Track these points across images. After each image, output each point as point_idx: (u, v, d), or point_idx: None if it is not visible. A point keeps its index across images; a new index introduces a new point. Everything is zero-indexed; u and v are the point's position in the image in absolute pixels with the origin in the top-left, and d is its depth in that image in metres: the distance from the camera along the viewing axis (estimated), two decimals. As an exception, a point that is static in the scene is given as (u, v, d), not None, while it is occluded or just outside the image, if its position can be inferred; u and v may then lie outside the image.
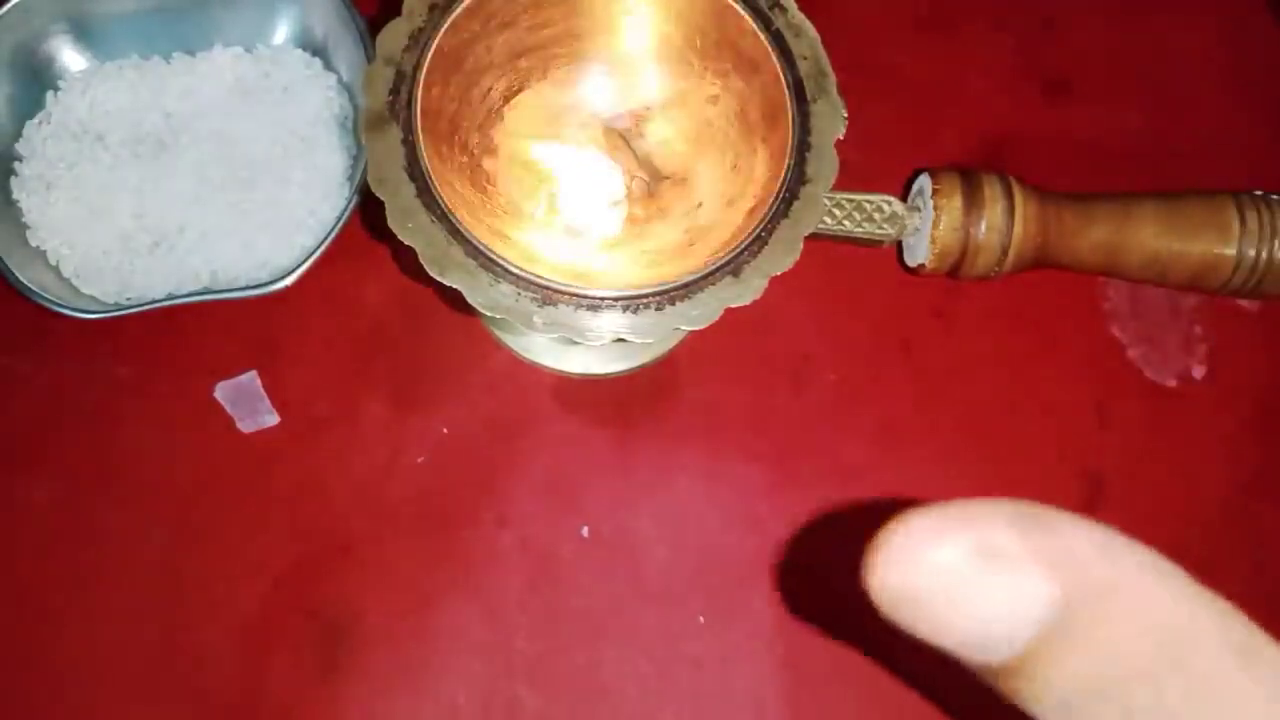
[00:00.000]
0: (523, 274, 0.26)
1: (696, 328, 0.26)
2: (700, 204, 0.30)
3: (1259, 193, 0.34)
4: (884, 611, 0.13)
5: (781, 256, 0.26)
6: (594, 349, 0.35)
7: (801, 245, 0.27)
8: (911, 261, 0.36)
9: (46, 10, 0.36)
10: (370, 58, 0.28)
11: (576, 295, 0.26)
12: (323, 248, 0.33)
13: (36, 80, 0.36)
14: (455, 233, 0.26)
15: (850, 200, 0.34)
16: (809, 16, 0.29)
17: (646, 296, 0.26)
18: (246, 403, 0.35)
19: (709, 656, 0.33)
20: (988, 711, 0.35)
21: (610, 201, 0.32)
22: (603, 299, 0.26)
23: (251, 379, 0.35)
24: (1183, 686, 0.12)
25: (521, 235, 0.30)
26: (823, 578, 0.34)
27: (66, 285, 0.35)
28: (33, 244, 0.35)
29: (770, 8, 0.29)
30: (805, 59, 0.28)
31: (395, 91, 0.27)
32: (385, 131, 0.26)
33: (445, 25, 0.28)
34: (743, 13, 0.28)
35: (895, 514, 0.13)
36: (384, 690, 0.32)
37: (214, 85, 0.37)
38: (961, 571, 0.13)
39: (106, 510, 0.34)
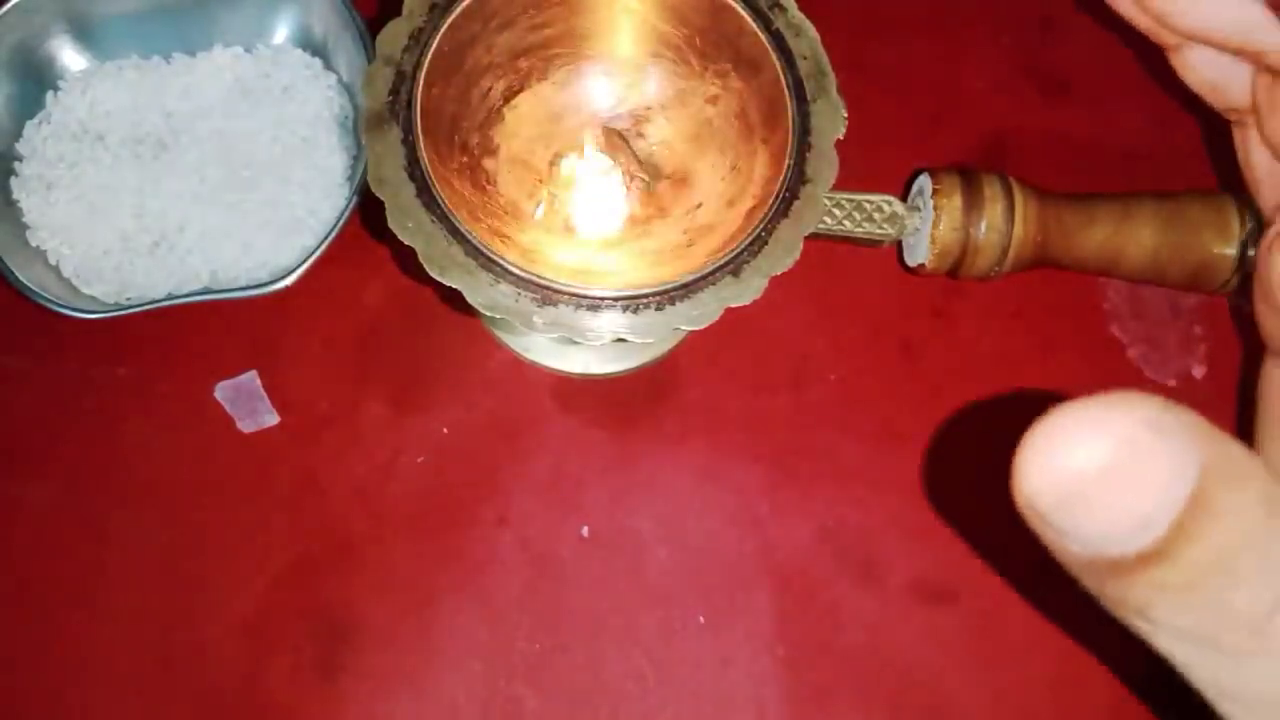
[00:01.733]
0: (523, 274, 0.26)
1: (696, 328, 0.26)
2: (700, 204, 0.30)
3: (1259, 193, 0.34)
4: (1032, 517, 0.14)
5: (781, 256, 0.26)
6: (594, 349, 0.35)
7: (801, 245, 0.27)
8: (911, 261, 0.36)
9: (46, 10, 0.36)
10: (370, 58, 0.28)
11: (576, 295, 0.26)
12: (323, 248, 0.33)
13: (36, 80, 0.36)
14: (455, 233, 0.26)
15: (850, 200, 0.34)
16: (809, 16, 0.29)
17: (646, 296, 0.26)
18: (246, 403, 0.35)
19: (709, 656, 0.33)
20: (988, 707, 0.35)
21: (610, 201, 0.32)
22: (603, 299, 0.26)
23: (251, 379, 0.35)
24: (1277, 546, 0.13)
25: (521, 235, 0.30)
26: (822, 578, 0.34)
27: (66, 285, 0.35)
28: (33, 244, 0.35)
29: (770, 8, 0.29)
30: (805, 59, 0.28)
31: (395, 91, 0.27)
32: (385, 131, 0.26)
33: (445, 25, 0.28)
34: (743, 13, 0.28)
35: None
36: (384, 690, 0.32)
37: (214, 85, 0.37)
38: (1114, 462, 0.13)
39: (107, 510, 0.34)
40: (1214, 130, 0.41)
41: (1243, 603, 0.14)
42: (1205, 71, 0.31)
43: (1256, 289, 0.30)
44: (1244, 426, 0.33)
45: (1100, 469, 0.13)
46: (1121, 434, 0.13)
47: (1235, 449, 0.14)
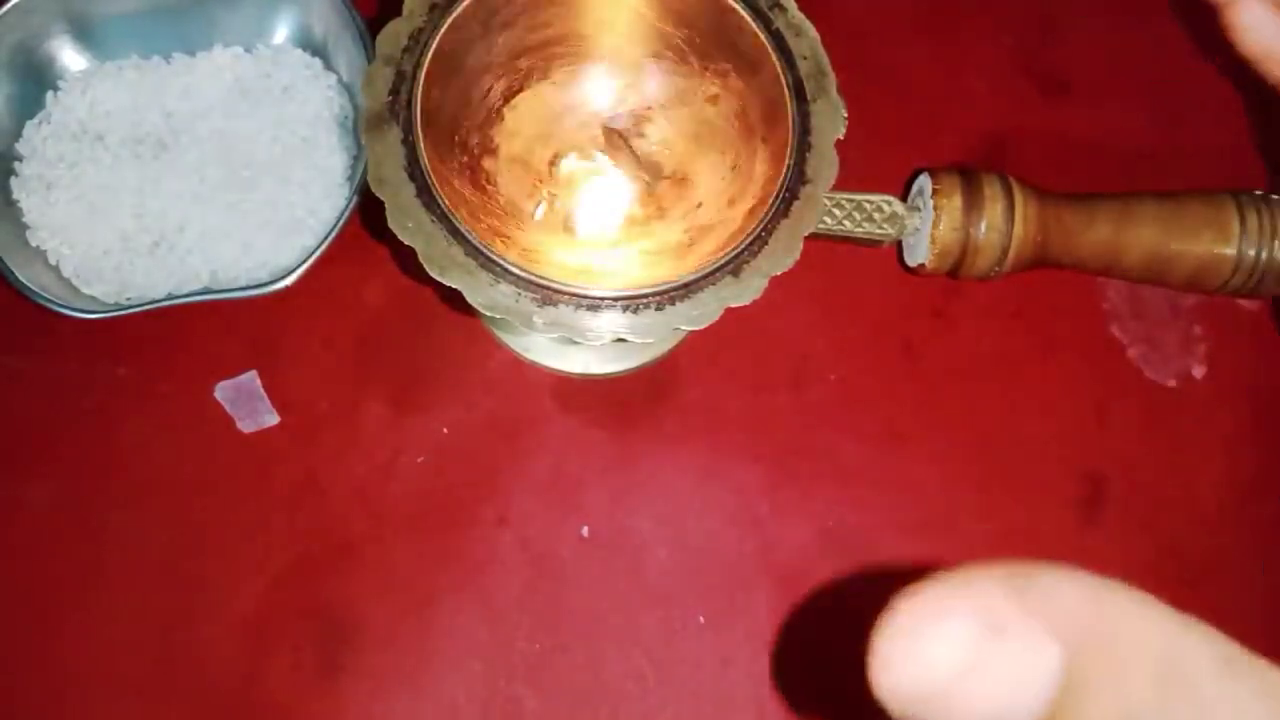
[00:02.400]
0: (523, 274, 0.26)
1: (696, 328, 0.26)
2: (700, 204, 0.30)
3: (1259, 193, 0.34)
4: (897, 712, 0.13)
5: (781, 256, 0.26)
6: (594, 349, 0.35)
7: (801, 245, 0.27)
8: (911, 261, 0.36)
9: (46, 10, 0.36)
10: (370, 58, 0.28)
11: (576, 295, 0.26)
12: (323, 248, 0.33)
13: (36, 80, 0.36)
14: (455, 233, 0.26)
15: (850, 200, 0.34)
16: (809, 16, 0.29)
17: (646, 296, 0.26)
18: (246, 403, 0.35)
19: (709, 656, 0.33)
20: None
21: (610, 201, 0.32)
22: (603, 299, 0.26)
23: (251, 379, 0.35)
24: (1188, 709, 0.13)
25: (521, 235, 0.30)
26: (822, 578, 0.34)
27: (66, 285, 0.35)
28: (33, 244, 0.35)
29: (770, 8, 0.29)
30: (805, 59, 0.28)
31: (395, 91, 0.27)
32: (385, 131, 0.26)
33: (445, 25, 0.28)
34: (743, 13, 0.28)
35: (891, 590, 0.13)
36: (384, 690, 0.32)
37: (214, 85, 0.37)
38: (967, 661, 0.13)
39: (107, 510, 0.34)
40: (1214, 130, 0.41)
41: None
42: (1264, 33, 0.27)
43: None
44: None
45: (957, 667, 0.13)
46: (969, 636, 0.13)
47: (1106, 618, 0.13)
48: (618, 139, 0.32)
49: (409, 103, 0.27)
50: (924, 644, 0.13)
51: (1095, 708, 0.13)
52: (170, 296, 0.34)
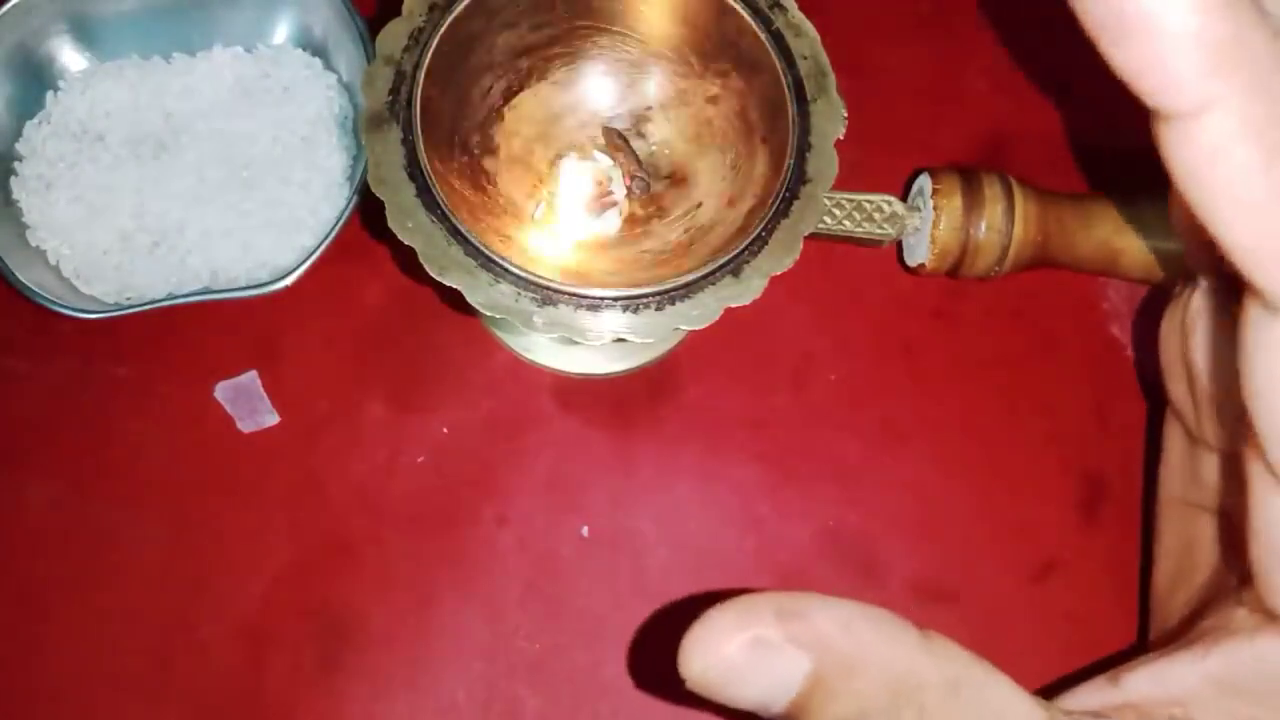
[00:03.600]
0: (523, 274, 0.26)
1: (696, 328, 0.26)
2: (700, 204, 0.30)
3: (1259, 193, 0.34)
4: (691, 687, 0.19)
5: (781, 256, 0.26)
6: (594, 349, 0.35)
7: (801, 245, 0.27)
8: (911, 261, 0.36)
9: (46, 10, 0.36)
10: (370, 58, 0.28)
11: (576, 295, 0.26)
12: (323, 248, 0.33)
13: (36, 80, 0.36)
14: (455, 233, 0.26)
15: (850, 200, 0.34)
16: (809, 16, 0.29)
17: (646, 296, 0.26)
18: (246, 403, 0.35)
19: (709, 656, 0.33)
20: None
21: (610, 202, 0.32)
22: (603, 299, 0.26)
23: (251, 379, 0.35)
24: (911, 715, 0.19)
25: (521, 235, 0.30)
26: (822, 578, 0.34)
27: (66, 285, 0.35)
28: (33, 244, 0.35)
29: (770, 8, 0.29)
30: (805, 59, 0.28)
31: (395, 91, 0.27)
32: (385, 131, 0.26)
33: (445, 25, 0.28)
34: (743, 13, 0.28)
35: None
36: (384, 690, 0.32)
37: (214, 85, 0.37)
38: (737, 662, 0.19)
39: (106, 510, 0.34)
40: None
41: None
42: (1170, 349, 0.27)
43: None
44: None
45: (727, 674, 0.19)
46: (732, 654, 0.19)
47: (852, 642, 0.19)
48: (618, 139, 0.32)
49: (409, 102, 0.27)
50: (712, 649, 0.19)
51: (836, 706, 0.19)
52: (170, 296, 0.34)
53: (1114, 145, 0.41)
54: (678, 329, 0.26)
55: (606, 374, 0.36)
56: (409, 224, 0.25)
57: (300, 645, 0.32)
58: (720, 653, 0.19)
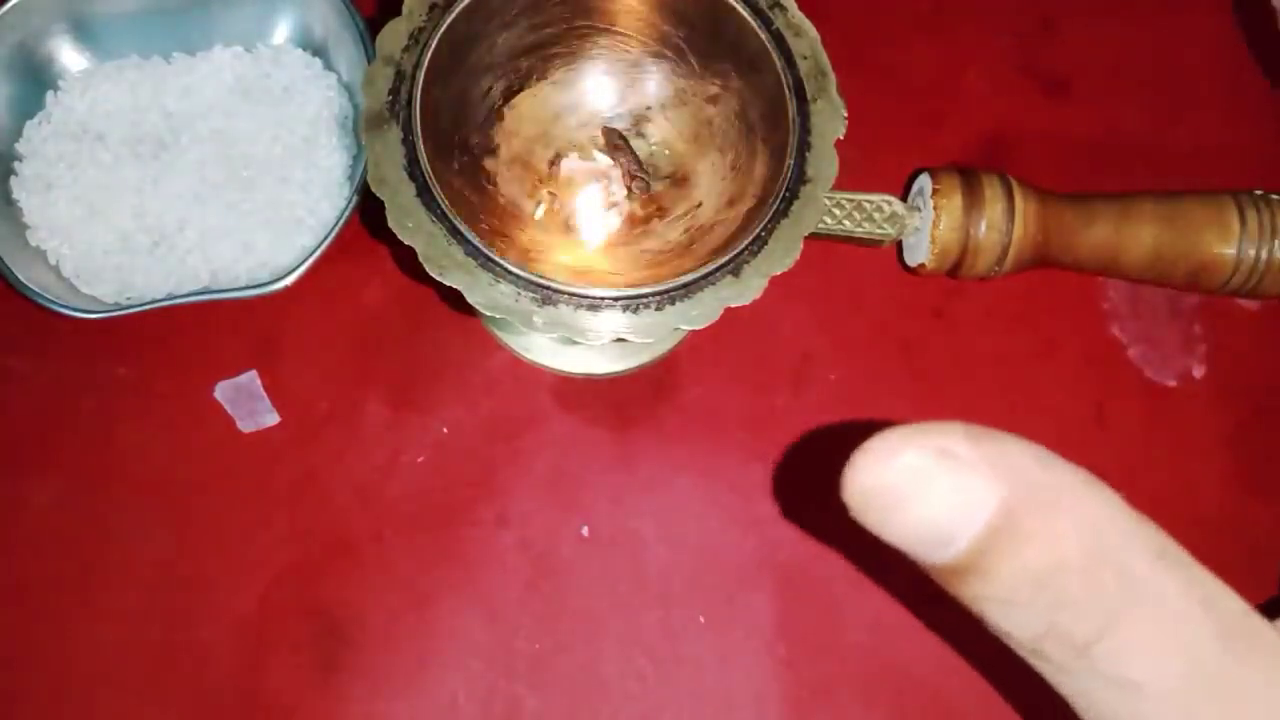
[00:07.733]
0: (523, 274, 0.26)
1: (696, 328, 0.26)
2: (700, 204, 0.30)
3: (1259, 192, 0.34)
4: (854, 513, 0.15)
5: (781, 256, 0.26)
6: (594, 349, 0.35)
7: (801, 245, 0.27)
8: (911, 261, 0.36)
9: (46, 10, 0.36)
10: (370, 58, 0.28)
11: (576, 295, 0.26)
12: (323, 248, 0.33)
13: (36, 80, 0.36)
14: (455, 233, 0.26)
15: (850, 200, 0.34)
16: (809, 16, 0.29)
17: (646, 296, 0.26)
18: (246, 403, 0.35)
19: (709, 656, 0.33)
20: (988, 707, 0.35)
21: (610, 201, 0.32)
22: (603, 299, 0.26)
23: (251, 379, 0.35)
24: (1111, 578, 0.14)
25: (521, 235, 0.30)
26: (823, 577, 0.34)
27: (66, 285, 0.35)
28: (33, 244, 0.35)
29: (770, 8, 0.29)
30: (805, 59, 0.28)
31: (395, 91, 0.27)
32: (385, 131, 0.26)
33: (445, 25, 0.28)
34: (743, 13, 0.28)
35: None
36: (384, 690, 0.32)
37: (214, 85, 0.37)
38: (920, 471, 0.14)
39: (106, 510, 0.34)
40: (1214, 130, 0.41)
41: (1067, 624, 0.14)
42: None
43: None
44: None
45: (904, 486, 0.15)
46: (915, 461, 0.14)
47: (1053, 480, 0.15)
48: (618, 139, 0.32)
49: (409, 102, 0.27)
50: (887, 457, 0.15)
51: (1025, 555, 0.14)
52: (170, 296, 0.34)
53: (1114, 145, 0.41)
54: (678, 329, 0.26)
55: (606, 374, 0.36)
56: (409, 224, 0.25)
57: (300, 645, 0.32)
58: (898, 462, 0.14)
